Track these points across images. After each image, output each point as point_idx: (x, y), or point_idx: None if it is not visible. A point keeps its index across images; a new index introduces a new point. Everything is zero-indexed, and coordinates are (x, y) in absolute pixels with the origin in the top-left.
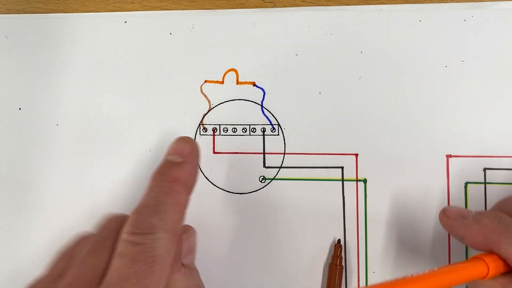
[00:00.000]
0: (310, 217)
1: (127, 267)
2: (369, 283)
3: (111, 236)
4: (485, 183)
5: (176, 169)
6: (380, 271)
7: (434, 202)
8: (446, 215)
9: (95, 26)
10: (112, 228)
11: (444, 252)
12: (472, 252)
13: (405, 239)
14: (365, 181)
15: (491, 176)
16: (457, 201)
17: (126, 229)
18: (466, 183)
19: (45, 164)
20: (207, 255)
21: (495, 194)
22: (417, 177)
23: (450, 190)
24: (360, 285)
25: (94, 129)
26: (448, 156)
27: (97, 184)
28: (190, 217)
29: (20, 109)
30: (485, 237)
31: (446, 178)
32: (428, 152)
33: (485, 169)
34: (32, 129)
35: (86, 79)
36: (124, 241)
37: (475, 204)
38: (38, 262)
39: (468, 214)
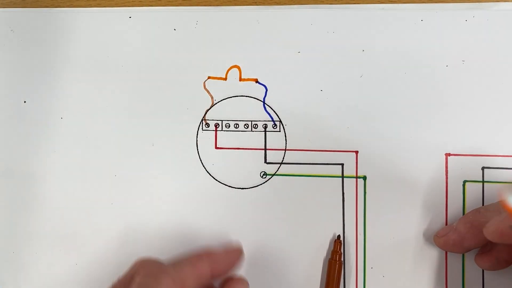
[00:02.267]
0: (310, 213)
1: None
2: (367, 278)
3: None
4: (483, 181)
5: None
6: (378, 267)
7: (432, 199)
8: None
9: (100, 21)
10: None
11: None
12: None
13: (402, 236)
14: (364, 178)
15: (489, 175)
16: (455, 199)
17: None
18: (464, 182)
19: (49, 157)
20: None
21: (493, 192)
22: (416, 175)
23: (448, 188)
24: (358, 280)
25: (98, 122)
26: (447, 154)
27: (101, 177)
28: (192, 212)
29: (25, 102)
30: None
31: (444, 176)
32: (427, 150)
33: (483, 168)
34: (37, 122)
35: (90, 73)
36: None
37: (473, 202)
38: (40, 254)
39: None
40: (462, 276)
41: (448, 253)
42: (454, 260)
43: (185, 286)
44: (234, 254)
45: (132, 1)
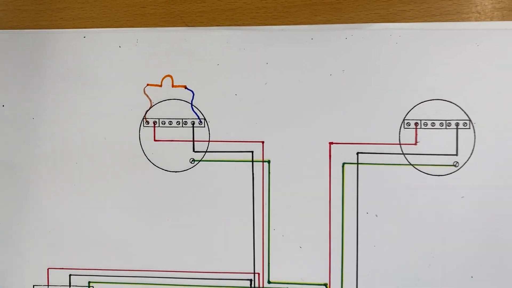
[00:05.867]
0: (228, 190)
1: None
2: (271, 238)
3: None
4: (357, 163)
5: None
6: (279, 228)
7: (318, 179)
8: None
9: (57, 40)
10: None
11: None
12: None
13: (300, 203)
14: (269, 162)
15: (362, 158)
16: (337, 177)
17: None
18: (343, 164)
19: (34, 157)
20: (143, 226)
21: (365, 171)
22: (307, 160)
23: (331, 169)
24: (264, 239)
25: (68, 123)
26: (331, 143)
27: (70, 166)
28: (135, 194)
29: (3, 105)
30: None
31: (328, 160)
32: (315, 139)
33: (357, 153)
34: (15, 126)
35: (63, 86)
36: None
37: (350, 179)
38: (39, 253)
39: None
40: (342, 234)
41: (331, 213)
42: (336, 217)
43: None
44: None
45: (86, 23)
